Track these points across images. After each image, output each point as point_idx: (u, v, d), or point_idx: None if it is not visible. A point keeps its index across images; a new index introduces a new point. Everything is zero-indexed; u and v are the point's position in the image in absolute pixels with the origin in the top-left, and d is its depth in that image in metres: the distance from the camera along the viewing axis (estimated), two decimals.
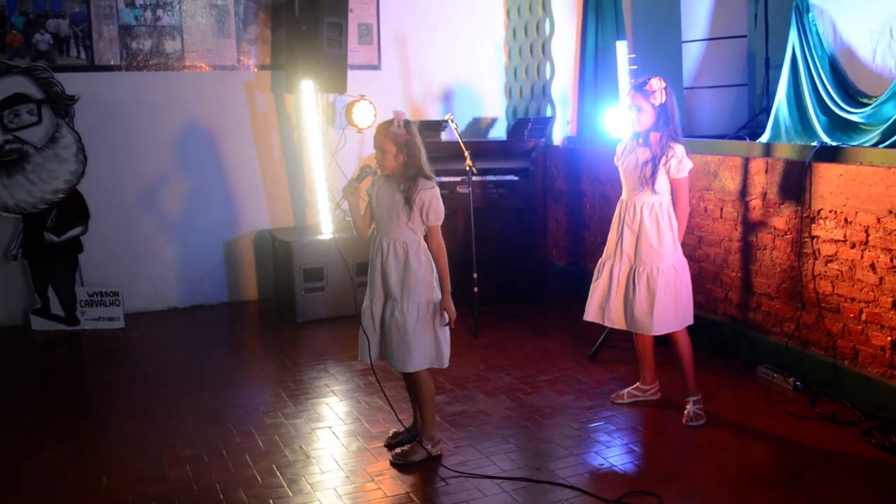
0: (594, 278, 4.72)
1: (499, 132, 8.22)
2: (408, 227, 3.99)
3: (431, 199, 3.97)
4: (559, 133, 7.60)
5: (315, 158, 7.09)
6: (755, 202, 5.34)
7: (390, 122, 3.96)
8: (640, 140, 4.50)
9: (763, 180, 5.27)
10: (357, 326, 4.20)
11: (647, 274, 4.50)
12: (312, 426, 4.72)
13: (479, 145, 7.01)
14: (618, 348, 5.72)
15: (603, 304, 4.67)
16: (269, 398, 5.12)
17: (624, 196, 4.61)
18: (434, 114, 7.87)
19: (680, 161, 4.42)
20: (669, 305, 4.49)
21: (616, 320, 4.64)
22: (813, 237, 4.94)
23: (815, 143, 5.04)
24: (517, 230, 7.05)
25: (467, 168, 6.20)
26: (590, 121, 7.34)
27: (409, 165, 3.96)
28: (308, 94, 6.98)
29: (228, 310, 7.33)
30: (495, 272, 6.89)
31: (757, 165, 5.30)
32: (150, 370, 5.71)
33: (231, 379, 5.47)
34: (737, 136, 6.40)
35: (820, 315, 4.92)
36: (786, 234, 5.14)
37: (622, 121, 5.47)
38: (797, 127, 5.77)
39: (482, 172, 6.73)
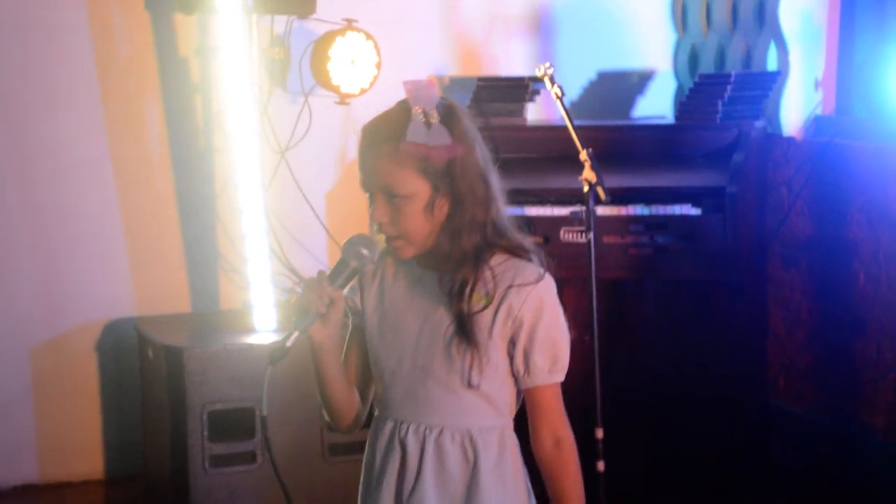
0: None
1: (657, 106, 5.76)
2: (470, 392, 2.07)
3: (542, 311, 2.00)
4: (797, 109, 5.43)
5: (242, 161, 4.78)
6: None
7: (402, 108, 1.99)
8: None
9: None
10: None
11: None
12: None
13: (612, 136, 5.20)
14: None
15: None
16: None
17: None
18: (512, 63, 5.66)
19: None
20: None
21: None
22: None
23: None
24: (700, 331, 5.06)
25: (586, 188, 4.16)
26: (867, 84, 5.29)
27: (458, 217, 1.99)
28: (229, 16, 4.93)
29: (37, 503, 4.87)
30: (647, 429, 5.16)
31: None
32: None
33: None
34: None
35: None
36: None
37: None
38: None
39: (620, 198, 4.78)
